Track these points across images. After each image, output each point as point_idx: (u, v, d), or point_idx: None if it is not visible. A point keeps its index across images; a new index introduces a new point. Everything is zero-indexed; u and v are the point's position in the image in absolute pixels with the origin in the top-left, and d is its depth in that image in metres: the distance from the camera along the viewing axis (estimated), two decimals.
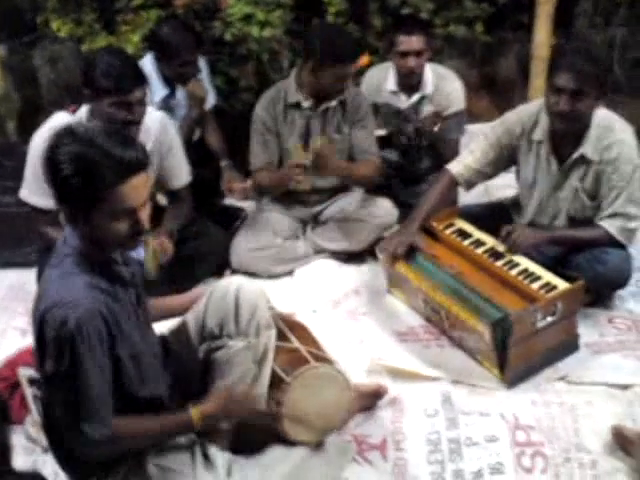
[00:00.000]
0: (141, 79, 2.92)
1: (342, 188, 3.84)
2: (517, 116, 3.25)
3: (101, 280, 2.02)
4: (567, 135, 3.06)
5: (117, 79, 2.83)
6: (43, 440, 2.41)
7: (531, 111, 3.21)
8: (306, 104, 3.54)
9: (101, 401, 1.99)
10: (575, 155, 3.08)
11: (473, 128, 4.43)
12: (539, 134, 3.16)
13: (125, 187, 1.91)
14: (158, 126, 3.19)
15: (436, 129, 3.88)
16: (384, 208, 3.73)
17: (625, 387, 2.78)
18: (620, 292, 3.29)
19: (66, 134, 1.93)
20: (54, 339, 1.92)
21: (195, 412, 2.16)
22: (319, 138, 3.56)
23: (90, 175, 1.88)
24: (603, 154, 3.04)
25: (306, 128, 3.58)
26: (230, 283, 2.46)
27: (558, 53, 3.03)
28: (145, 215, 2.01)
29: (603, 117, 3.06)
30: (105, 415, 2.00)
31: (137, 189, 1.94)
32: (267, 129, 3.61)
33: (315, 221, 3.86)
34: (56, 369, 1.95)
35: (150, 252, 2.96)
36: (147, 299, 2.29)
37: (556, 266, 3.03)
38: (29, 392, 2.53)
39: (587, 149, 3.05)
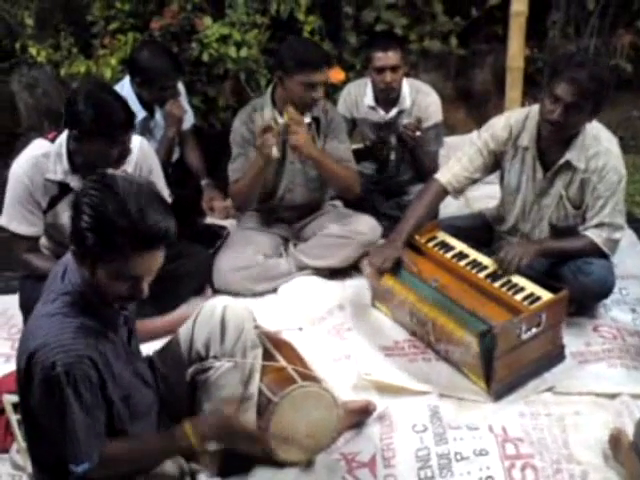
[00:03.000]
0: (132, 118, 2.85)
1: (318, 204, 3.85)
2: (505, 122, 3.24)
3: (93, 321, 2.00)
4: (554, 142, 3.07)
5: (111, 125, 2.75)
6: (29, 467, 2.38)
7: (518, 117, 3.21)
8: (282, 120, 3.52)
9: (87, 441, 1.98)
10: (561, 161, 3.09)
11: (450, 140, 4.46)
12: (526, 140, 3.16)
13: (138, 258, 1.88)
14: (138, 151, 3.16)
15: (418, 133, 3.90)
16: (368, 225, 3.70)
17: (613, 396, 2.78)
18: (604, 300, 3.28)
19: (105, 184, 1.88)
20: (42, 381, 1.91)
21: (187, 426, 2.14)
22: (290, 109, 3.46)
23: (107, 238, 1.84)
24: (589, 162, 3.05)
25: (282, 144, 3.56)
26: (216, 303, 2.45)
27: (562, 61, 2.99)
28: (147, 283, 1.98)
29: (590, 126, 3.07)
30: (91, 452, 1.99)
31: (150, 262, 1.92)
32: (246, 141, 3.60)
33: (297, 238, 3.85)
34: (43, 409, 1.96)
35: None
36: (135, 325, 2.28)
37: (542, 278, 3.01)
38: (14, 418, 2.49)
39: (573, 155, 3.05)
